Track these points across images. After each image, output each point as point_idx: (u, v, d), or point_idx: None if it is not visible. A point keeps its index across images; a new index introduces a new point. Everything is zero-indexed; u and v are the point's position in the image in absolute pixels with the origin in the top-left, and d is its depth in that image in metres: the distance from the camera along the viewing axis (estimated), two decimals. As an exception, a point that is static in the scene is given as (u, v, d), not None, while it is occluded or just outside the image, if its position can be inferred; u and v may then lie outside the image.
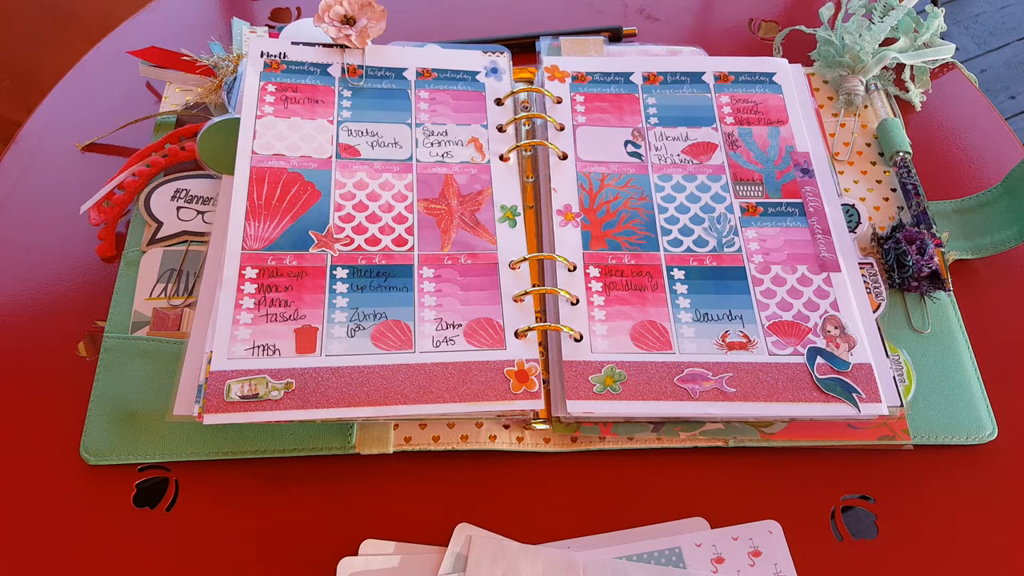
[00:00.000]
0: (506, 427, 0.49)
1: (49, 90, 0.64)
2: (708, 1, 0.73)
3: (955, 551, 0.46)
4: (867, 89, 0.64)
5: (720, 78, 0.61)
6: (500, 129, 0.58)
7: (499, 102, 0.59)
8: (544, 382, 0.49)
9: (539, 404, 0.47)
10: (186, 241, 0.55)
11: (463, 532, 0.45)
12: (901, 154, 0.59)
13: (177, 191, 0.57)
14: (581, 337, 0.49)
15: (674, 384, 0.47)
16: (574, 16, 0.70)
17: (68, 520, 0.46)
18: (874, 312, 0.52)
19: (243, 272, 0.49)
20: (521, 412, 0.47)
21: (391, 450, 0.48)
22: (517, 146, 0.57)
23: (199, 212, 0.56)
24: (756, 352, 0.49)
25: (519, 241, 0.53)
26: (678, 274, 0.52)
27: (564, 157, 0.56)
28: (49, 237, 0.56)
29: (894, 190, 0.59)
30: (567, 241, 0.53)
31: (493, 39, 0.66)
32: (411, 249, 0.52)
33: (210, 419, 0.44)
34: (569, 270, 0.52)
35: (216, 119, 0.56)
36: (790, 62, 0.62)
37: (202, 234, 0.55)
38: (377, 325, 0.48)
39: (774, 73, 0.61)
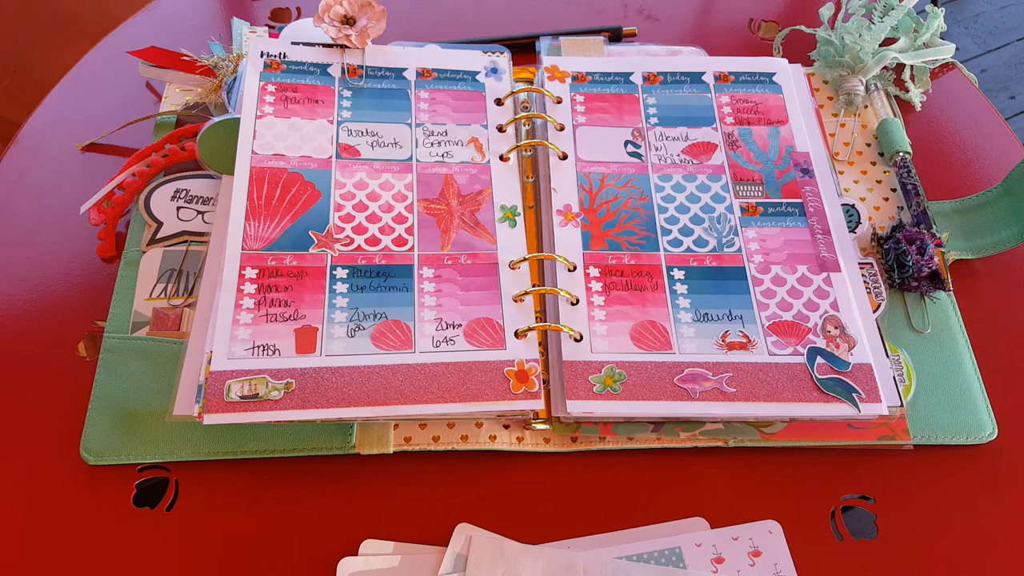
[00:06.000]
0: (506, 427, 0.49)
1: (49, 90, 0.64)
2: (708, 1, 0.73)
3: (955, 551, 0.46)
4: (867, 89, 0.64)
5: (720, 78, 0.61)
6: (500, 129, 0.58)
7: (499, 102, 0.59)
8: (544, 382, 0.49)
9: (539, 404, 0.47)
10: (186, 241, 0.55)
11: (463, 532, 0.45)
12: (901, 154, 0.59)
13: (177, 191, 0.57)
14: (581, 337, 0.49)
15: (674, 384, 0.47)
16: (574, 16, 0.70)
17: (68, 520, 0.46)
18: (874, 312, 0.52)
19: (243, 272, 0.49)
20: (521, 412, 0.47)
21: (391, 450, 0.48)
22: (517, 146, 0.57)
23: (199, 212, 0.56)
24: (756, 352, 0.49)
25: (519, 241, 0.53)
26: (678, 274, 0.52)
27: (564, 157, 0.56)
28: (49, 237, 0.56)
29: (894, 190, 0.59)
30: (567, 241, 0.53)
31: (493, 39, 0.66)
32: (411, 249, 0.52)
33: (210, 419, 0.44)
34: (569, 270, 0.52)
35: (216, 119, 0.56)
36: (790, 62, 0.62)
37: (202, 234, 0.55)
38: (377, 325, 0.48)
39: (774, 73, 0.61)
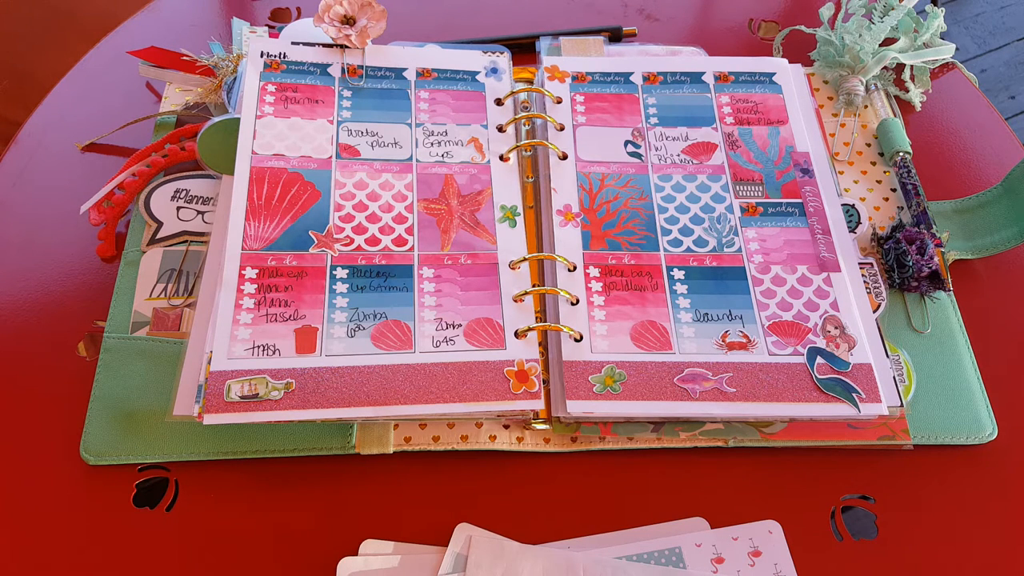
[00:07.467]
0: (506, 427, 0.49)
1: (49, 90, 0.64)
2: (708, 1, 0.73)
3: (955, 551, 0.46)
4: (867, 89, 0.64)
5: (720, 78, 0.61)
6: (500, 129, 0.58)
7: (499, 102, 0.59)
8: (544, 382, 0.49)
9: (539, 404, 0.47)
10: (186, 241, 0.55)
11: (463, 532, 0.45)
12: (901, 154, 0.59)
13: (177, 191, 0.57)
14: (581, 337, 0.49)
15: (674, 384, 0.47)
16: (574, 16, 0.70)
17: (68, 520, 0.46)
18: (874, 312, 0.52)
19: (243, 272, 0.49)
20: (521, 412, 0.47)
21: (391, 450, 0.48)
22: (517, 146, 0.57)
23: (199, 212, 0.56)
24: (756, 352, 0.49)
25: (519, 241, 0.53)
26: (678, 274, 0.52)
27: (564, 157, 0.56)
28: (49, 237, 0.56)
29: (894, 190, 0.59)
30: (567, 241, 0.53)
31: (493, 39, 0.66)
32: (411, 249, 0.52)
33: (210, 419, 0.44)
34: (569, 270, 0.52)
35: (216, 119, 0.56)
36: (790, 62, 0.62)
37: (202, 234, 0.55)
38: (377, 325, 0.48)
39: (774, 73, 0.61)
